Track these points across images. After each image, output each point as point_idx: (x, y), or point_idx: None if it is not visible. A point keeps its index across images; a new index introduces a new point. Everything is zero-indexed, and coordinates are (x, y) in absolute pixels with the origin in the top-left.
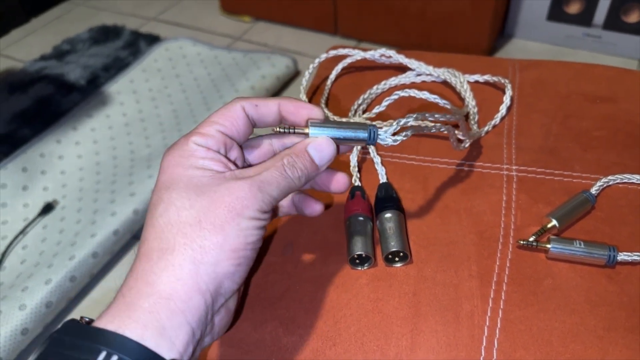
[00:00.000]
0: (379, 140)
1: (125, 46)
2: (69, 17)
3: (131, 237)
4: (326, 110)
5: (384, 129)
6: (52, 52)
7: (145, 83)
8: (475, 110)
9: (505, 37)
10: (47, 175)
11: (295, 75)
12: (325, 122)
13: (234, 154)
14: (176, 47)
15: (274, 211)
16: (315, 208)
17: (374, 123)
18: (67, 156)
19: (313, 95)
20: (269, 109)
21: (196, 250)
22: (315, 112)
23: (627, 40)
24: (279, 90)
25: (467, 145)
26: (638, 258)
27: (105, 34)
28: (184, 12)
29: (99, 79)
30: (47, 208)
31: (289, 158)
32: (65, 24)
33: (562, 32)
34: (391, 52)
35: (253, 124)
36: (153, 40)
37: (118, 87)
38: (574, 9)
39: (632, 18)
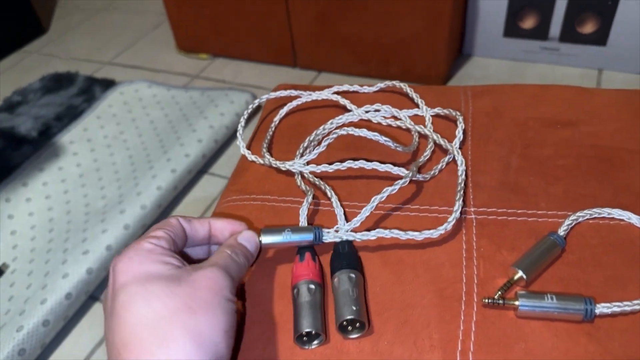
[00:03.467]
0: (325, 240)
1: (79, 93)
2: (21, 67)
3: (86, 298)
4: (268, 156)
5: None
6: (2, 105)
7: (100, 130)
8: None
9: (465, 56)
10: None
11: (256, 110)
12: (275, 231)
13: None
14: (131, 91)
15: None
16: None
17: (318, 226)
18: (18, 215)
19: (254, 138)
20: (201, 225)
21: (196, 333)
22: (240, 227)
23: (585, 50)
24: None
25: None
26: (618, 309)
27: (58, 81)
28: (140, 53)
29: (51, 130)
30: None
31: (231, 249)
32: (17, 73)
33: (520, 47)
34: (332, 95)
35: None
36: (108, 85)
37: (71, 137)
38: (528, 24)
39: (587, 29)
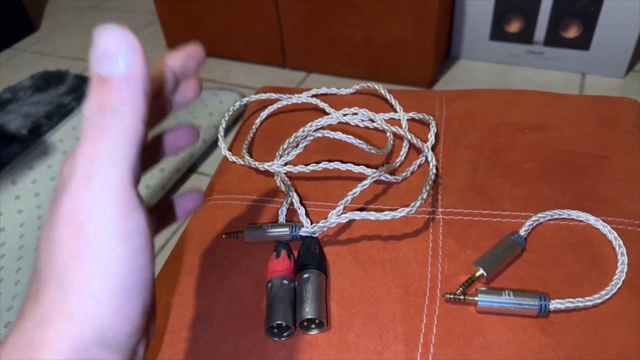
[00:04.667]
0: (301, 233)
1: (68, 91)
2: (11, 64)
3: None
4: (247, 157)
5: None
6: None
7: None
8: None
9: (452, 58)
10: None
11: (245, 110)
12: (257, 229)
13: None
14: None
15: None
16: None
17: (296, 223)
18: (6, 213)
19: (235, 140)
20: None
21: None
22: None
23: (569, 54)
24: (227, 126)
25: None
26: (571, 305)
27: (47, 80)
28: None
29: (41, 128)
30: None
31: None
32: (6, 71)
33: (505, 50)
34: (311, 98)
35: None
36: None
37: (60, 135)
38: (514, 27)
39: (570, 33)
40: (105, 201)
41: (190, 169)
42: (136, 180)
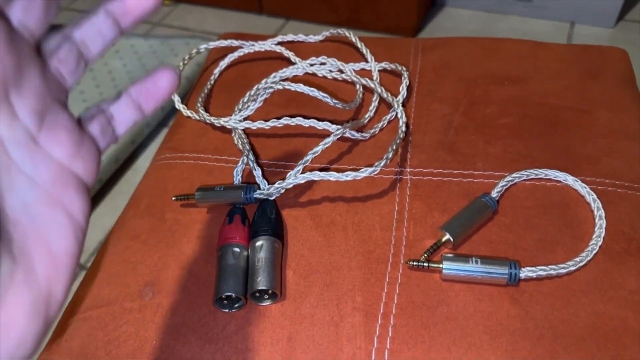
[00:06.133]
0: (256, 195)
1: None
2: None
3: None
4: (202, 112)
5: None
6: None
7: None
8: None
9: (438, 6)
10: None
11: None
12: (208, 191)
13: None
14: None
15: None
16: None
17: (250, 184)
18: None
19: (192, 92)
20: None
21: None
22: None
23: (558, 3)
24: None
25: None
26: (543, 273)
27: None
28: None
29: None
30: None
31: None
32: None
33: None
34: (276, 46)
35: None
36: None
37: None
38: None
39: None
40: None
41: (162, 122)
42: None
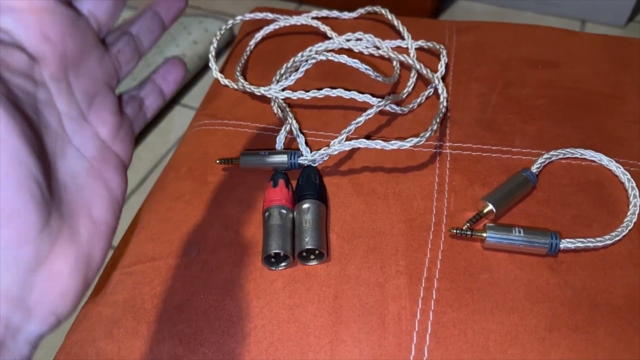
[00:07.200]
0: (300, 161)
1: None
2: None
3: None
4: (242, 80)
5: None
6: None
7: None
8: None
9: None
10: None
11: (231, 40)
12: (253, 156)
13: None
14: None
15: None
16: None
17: (296, 150)
18: None
19: (228, 62)
20: None
21: None
22: None
23: (570, 2)
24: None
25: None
26: (581, 245)
27: None
28: None
29: None
30: None
31: None
32: None
33: None
34: (311, 20)
35: None
36: None
37: None
38: None
39: None
40: None
41: (173, 100)
42: None
